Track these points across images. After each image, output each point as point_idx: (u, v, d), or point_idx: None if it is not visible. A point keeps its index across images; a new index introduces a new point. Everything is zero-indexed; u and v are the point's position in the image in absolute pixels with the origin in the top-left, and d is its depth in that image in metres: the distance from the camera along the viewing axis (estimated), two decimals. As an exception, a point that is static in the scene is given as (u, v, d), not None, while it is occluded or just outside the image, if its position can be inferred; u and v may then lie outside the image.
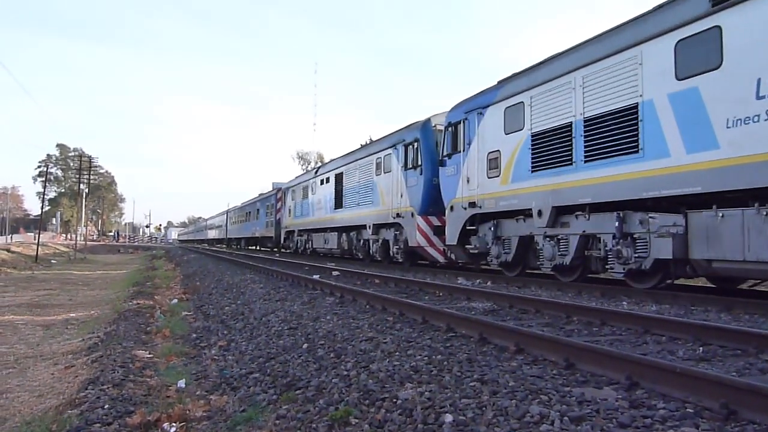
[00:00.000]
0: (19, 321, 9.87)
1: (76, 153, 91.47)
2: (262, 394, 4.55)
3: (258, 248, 46.28)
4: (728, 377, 3.37)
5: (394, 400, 3.62)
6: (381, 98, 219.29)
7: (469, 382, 3.79)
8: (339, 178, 22.63)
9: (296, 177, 32.28)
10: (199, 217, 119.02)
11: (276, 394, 4.45)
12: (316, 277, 12.91)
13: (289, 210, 31.04)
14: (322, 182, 25.01)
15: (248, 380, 5.01)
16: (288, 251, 32.81)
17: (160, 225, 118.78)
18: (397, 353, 4.80)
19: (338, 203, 22.34)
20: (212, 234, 73.29)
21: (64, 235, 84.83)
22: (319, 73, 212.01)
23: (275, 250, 38.09)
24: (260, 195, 43.93)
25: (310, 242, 27.27)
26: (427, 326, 6.16)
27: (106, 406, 4.33)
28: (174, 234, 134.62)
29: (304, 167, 73.71)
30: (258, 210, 41.51)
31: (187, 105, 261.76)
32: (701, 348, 4.87)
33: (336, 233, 22.83)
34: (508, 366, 4.19)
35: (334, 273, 14.67)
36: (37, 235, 39.18)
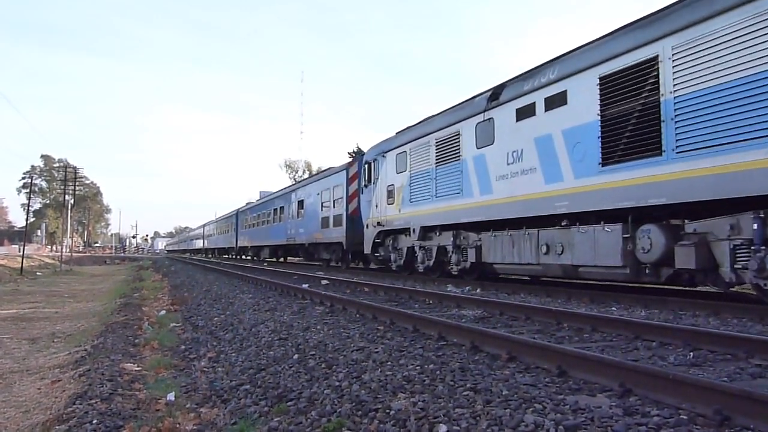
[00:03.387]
0: (4, 335, 9.72)
1: (61, 164, 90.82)
2: (253, 406, 4.49)
3: (282, 260, 33.65)
4: (721, 383, 3.39)
5: (387, 410, 3.59)
6: (370, 106, 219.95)
7: (462, 391, 3.77)
8: (618, 85, 9.16)
9: (400, 132, 17.11)
10: (186, 227, 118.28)
11: (267, 406, 4.40)
12: (305, 286, 12.85)
13: (389, 192, 16.94)
14: (523, 113, 11.36)
15: (239, 392, 4.95)
16: (379, 267, 20.08)
17: (147, 235, 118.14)
18: (389, 363, 4.77)
19: (643, 142, 8.68)
20: (212, 243, 58.97)
21: (50, 247, 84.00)
22: (306, 81, 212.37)
23: (340, 264, 23.23)
24: (311, 176, 30.63)
25: (468, 252, 13.42)
26: (418, 335, 6.13)
27: (95, 421, 4.26)
28: (161, 244, 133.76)
29: (291, 176, 73.44)
30: (301, 202, 27.34)
31: (172, 114, 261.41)
32: (692, 353, 4.90)
33: (615, 230, 9.33)
34: (501, 374, 4.18)
35: (324, 282, 14.62)
36: (21, 247, 38.75)
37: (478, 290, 11.79)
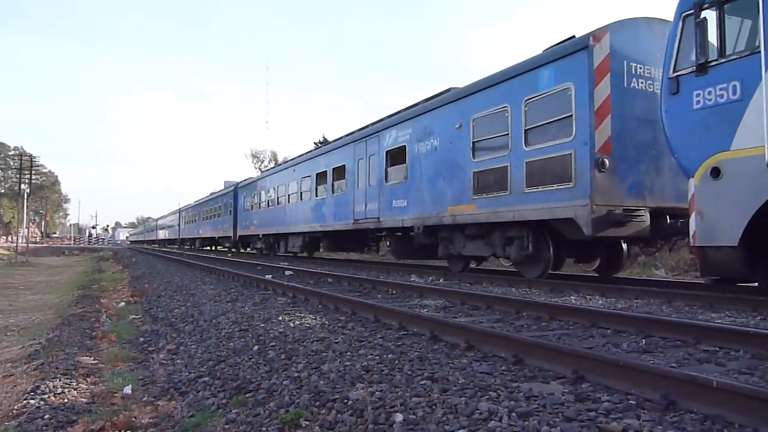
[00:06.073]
0: (-45, 329, 9.42)
1: (17, 152, 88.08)
2: (212, 398, 4.47)
3: (306, 255, 24.89)
4: (668, 369, 3.49)
5: (345, 400, 3.61)
6: (336, 97, 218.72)
7: (419, 380, 3.80)
8: None
9: None
10: (149, 217, 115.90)
11: (226, 397, 4.38)
12: (268, 277, 12.78)
13: None
14: None
15: (197, 384, 4.92)
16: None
17: (108, 226, 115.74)
18: (348, 353, 4.79)
19: None
20: (191, 231, 46.40)
21: (5, 238, 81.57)
22: (273, 71, 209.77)
23: (536, 274, 10.87)
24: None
25: None
26: (379, 325, 6.17)
27: (47, 417, 4.18)
28: (122, 235, 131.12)
29: (257, 166, 72.39)
30: (398, 151, 15.04)
31: (134, 102, 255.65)
32: (644, 340, 5.03)
33: None
34: (459, 363, 4.23)
35: (287, 273, 14.55)
36: (-25, 238, 37.53)
37: (441, 280, 11.89)
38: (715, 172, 7.26)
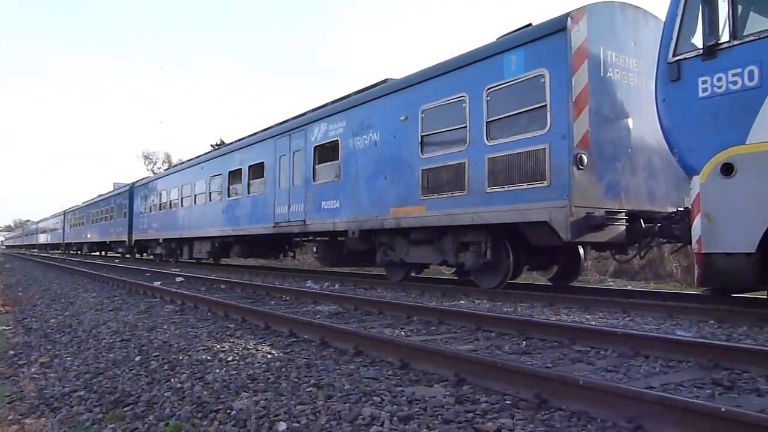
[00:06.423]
0: None
1: None
2: (87, 413, 4.21)
3: (210, 262, 23.00)
4: (541, 369, 3.68)
5: (229, 411, 3.53)
6: (235, 100, 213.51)
7: (305, 387, 3.79)
8: None
9: None
10: (28, 220, 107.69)
11: (102, 412, 4.15)
12: (156, 284, 12.25)
13: None
14: None
15: (71, 399, 4.62)
16: None
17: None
18: (234, 362, 4.68)
19: None
20: (78, 236, 42.69)
21: None
22: (168, 70, 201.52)
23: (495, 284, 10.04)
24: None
25: None
26: (269, 332, 6.08)
27: None
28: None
29: (150, 168, 69.14)
30: (330, 146, 13.65)
31: (5, 95, 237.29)
32: (524, 342, 5.29)
33: None
34: (346, 369, 4.25)
35: (178, 279, 14.02)
36: None
37: (337, 286, 11.90)
38: (728, 169, 6.28)
